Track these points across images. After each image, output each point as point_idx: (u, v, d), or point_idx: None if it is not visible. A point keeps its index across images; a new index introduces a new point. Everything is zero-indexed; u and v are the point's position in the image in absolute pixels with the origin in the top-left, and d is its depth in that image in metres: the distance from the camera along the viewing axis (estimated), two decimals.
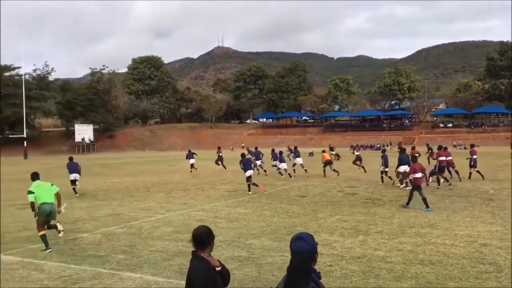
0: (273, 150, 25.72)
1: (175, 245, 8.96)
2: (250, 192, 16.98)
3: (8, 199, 16.88)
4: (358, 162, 25.27)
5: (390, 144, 62.36)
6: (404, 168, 17.05)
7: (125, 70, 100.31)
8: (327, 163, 23.32)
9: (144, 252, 8.43)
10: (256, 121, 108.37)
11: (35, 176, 9.68)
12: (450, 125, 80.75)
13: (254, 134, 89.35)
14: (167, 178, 24.48)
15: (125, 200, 16.06)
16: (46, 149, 70.82)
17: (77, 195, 17.53)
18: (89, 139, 75.59)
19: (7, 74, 75.11)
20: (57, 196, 9.53)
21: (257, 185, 16.92)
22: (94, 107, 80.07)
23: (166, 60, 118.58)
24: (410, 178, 13.31)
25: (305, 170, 23.28)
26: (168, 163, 38.95)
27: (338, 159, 35.19)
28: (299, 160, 23.94)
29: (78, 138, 74.02)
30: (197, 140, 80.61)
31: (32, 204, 9.21)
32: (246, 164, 17.80)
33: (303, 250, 2.82)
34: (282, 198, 15.58)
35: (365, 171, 24.33)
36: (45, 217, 9.05)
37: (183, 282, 6.59)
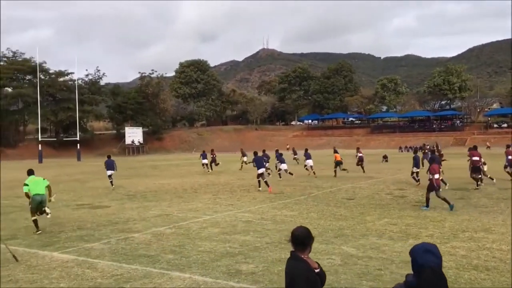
0: (277, 151, 26.68)
1: (222, 246, 9.07)
2: (260, 188, 18.50)
3: (63, 199, 17.62)
4: (361, 163, 25.79)
5: (437, 147, 60.16)
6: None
7: (172, 74, 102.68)
8: (338, 163, 23.95)
9: (192, 253, 8.58)
10: (301, 123, 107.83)
11: (30, 172, 11.90)
12: (505, 125, 77.15)
13: (299, 136, 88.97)
14: (213, 179, 24.80)
15: (173, 201, 16.41)
16: (98, 151, 73.38)
17: (113, 187, 20.94)
18: (139, 141, 77.72)
19: (61, 79, 78.47)
20: (48, 188, 11.46)
21: (268, 185, 18.26)
22: (143, 110, 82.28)
23: (212, 63, 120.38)
24: (429, 178, 13.15)
25: (290, 173, 23.67)
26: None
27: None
28: (284, 166, 24.21)
29: (128, 140, 76.28)
30: (242, 142, 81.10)
31: (27, 195, 11.26)
32: (258, 161, 19.27)
33: (437, 266, 2.35)
34: (329, 201, 15.43)
35: (364, 172, 25.00)
36: (37, 205, 11.00)
37: (232, 283, 6.70)
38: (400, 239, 9.34)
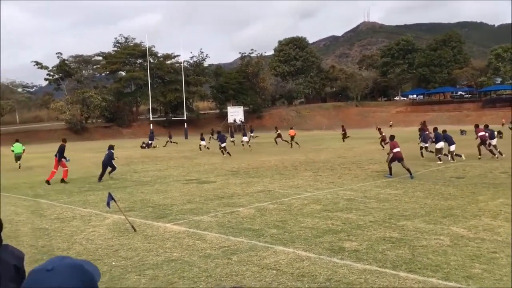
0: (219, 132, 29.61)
1: (324, 222, 9.11)
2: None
3: (173, 175, 18.83)
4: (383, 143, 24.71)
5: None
6: (440, 145, 19.84)
7: (271, 52, 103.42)
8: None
9: (295, 228, 8.73)
10: (405, 98, 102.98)
11: (16, 141, 25.09)
12: None
13: (403, 111, 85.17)
14: (313, 157, 24.79)
15: (275, 177, 16.73)
16: (203, 130, 76.55)
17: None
18: (240, 120, 79.88)
19: (168, 62, 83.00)
20: (24, 150, 24.80)
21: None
22: (244, 89, 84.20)
23: (310, 40, 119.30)
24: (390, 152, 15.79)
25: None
26: (314, 142, 39.35)
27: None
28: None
29: (230, 119, 78.79)
30: (342, 119, 79.72)
31: (12, 152, 24.60)
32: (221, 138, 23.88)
33: None
34: (437, 179, 14.69)
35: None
36: (16, 158, 24.17)
37: (335, 260, 6.74)
38: None
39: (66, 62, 78.46)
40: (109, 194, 9.21)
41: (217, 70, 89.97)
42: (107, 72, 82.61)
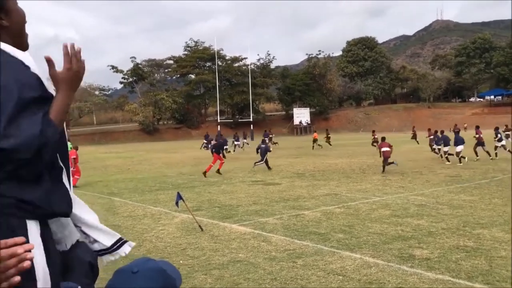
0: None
1: (394, 229, 8.79)
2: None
3: (239, 176, 19.07)
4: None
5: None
6: (460, 148, 20.51)
7: (339, 53, 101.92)
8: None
9: (362, 233, 8.50)
10: (481, 99, 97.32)
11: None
12: None
13: (480, 113, 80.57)
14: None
15: (341, 181, 16.43)
16: (265, 131, 77.45)
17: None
18: (306, 122, 79.52)
19: (236, 65, 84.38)
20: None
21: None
22: (311, 91, 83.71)
23: (380, 39, 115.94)
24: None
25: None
26: None
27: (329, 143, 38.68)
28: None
29: (296, 121, 78.65)
30: (413, 121, 76.83)
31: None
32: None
33: None
34: None
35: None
36: None
37: (404, 267, 6.48)
38: None
39: (140, 66, 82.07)
40: (178, 194, 9.47)
41: (284, 72, 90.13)
42: (178, 75, 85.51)
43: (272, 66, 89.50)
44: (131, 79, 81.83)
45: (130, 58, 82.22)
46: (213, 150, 20.73)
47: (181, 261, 7.18)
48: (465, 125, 63.58)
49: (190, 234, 8.95)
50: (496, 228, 8.52)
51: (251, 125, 66.81)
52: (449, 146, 21.55)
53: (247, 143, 43.56)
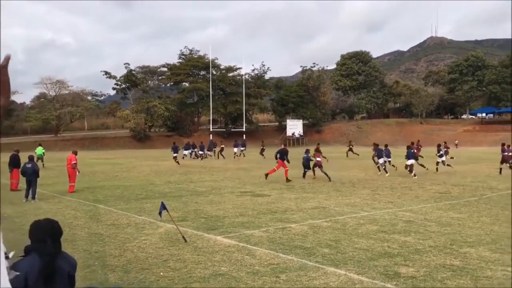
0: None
1: (380, 245, 8.66)
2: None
3: (229, 186, 18.87)
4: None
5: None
6: (410, 162, 22.49)
7: (333, 66, 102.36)
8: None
9: (348, 249, 8.36)
10: (473, 117, 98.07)
11: (39, 145, 30.48)
12: None
13: (471, 130, 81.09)
14: (372, 174, 24.02)
15: (331, 194, 16.31)
16: (261, 142, 77.36)
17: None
18: (299, 133, 79.51)
19: (230, 74, 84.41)
20: (43, 153, 29.83)
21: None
22: (304, 103, 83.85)
23: (375, 54, 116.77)
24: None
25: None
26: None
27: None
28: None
29: (289, 132, 78.60)
30: (404, 136, 77.13)
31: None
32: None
33: None
34: (506, 204, 13.67)
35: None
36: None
37: (389, 286, 6.32)
38: None
39: (133, 72, 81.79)
40: (162, 204, 9.29)
41: (278, 83, 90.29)
42: (172, 83, 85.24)
43: (267, 77, 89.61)
44: (124, 86, 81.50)
45: (124, 64, 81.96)
46: (277, 156, 21.45)
47: (161, 273, 6.99)
48: (456, 141, 63.96)
49: (173, 245, 8.76)
50: (483, 247, 8.42)
51: (244, 135, 66.65)
52: (383, 158, 24.22)
53: (244, 155, 43.76)
